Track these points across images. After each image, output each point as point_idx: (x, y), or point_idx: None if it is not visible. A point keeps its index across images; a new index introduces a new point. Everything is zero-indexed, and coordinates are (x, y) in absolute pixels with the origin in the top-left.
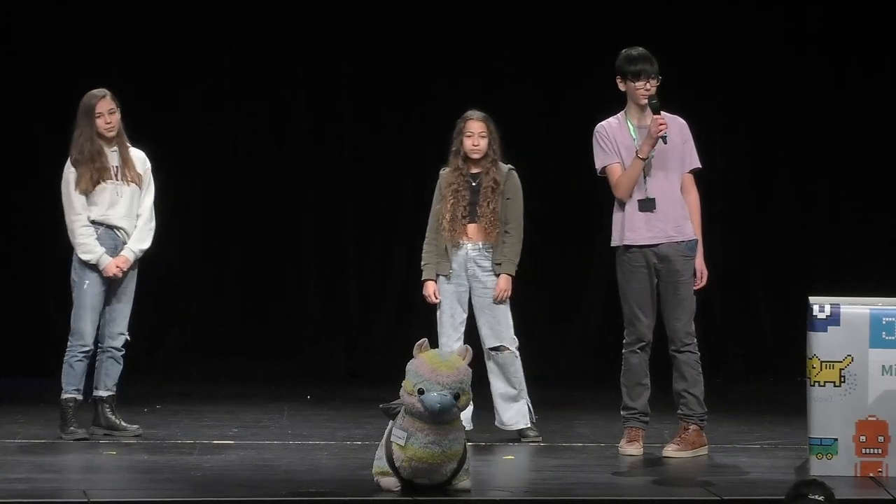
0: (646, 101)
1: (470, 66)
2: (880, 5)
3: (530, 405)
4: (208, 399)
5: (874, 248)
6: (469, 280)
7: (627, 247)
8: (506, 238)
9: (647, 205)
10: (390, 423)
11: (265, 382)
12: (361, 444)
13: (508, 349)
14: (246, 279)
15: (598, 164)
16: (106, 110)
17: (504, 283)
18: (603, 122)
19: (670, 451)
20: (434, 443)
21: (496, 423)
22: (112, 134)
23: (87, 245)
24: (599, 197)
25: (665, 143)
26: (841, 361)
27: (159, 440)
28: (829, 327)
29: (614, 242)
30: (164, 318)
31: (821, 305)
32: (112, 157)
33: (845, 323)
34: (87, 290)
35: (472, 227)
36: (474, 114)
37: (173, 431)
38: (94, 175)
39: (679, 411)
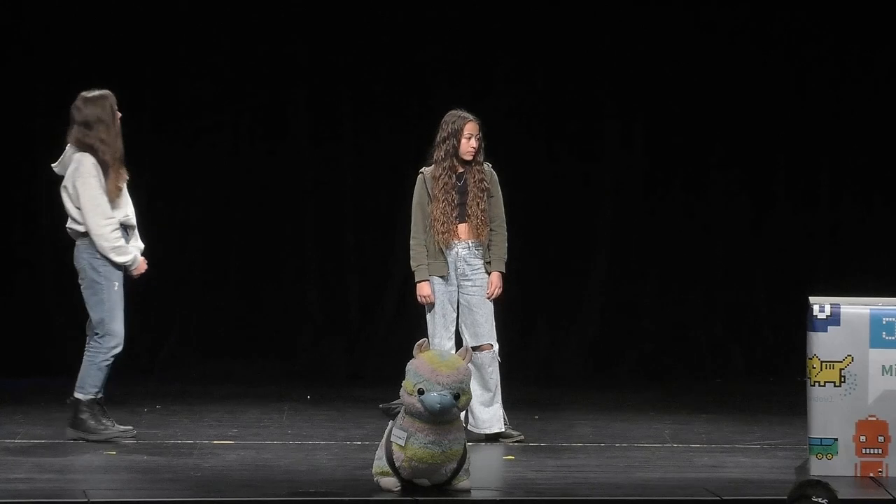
0: None
1: (469, 65)
2: (880, 4)
3: (504, 411)
4: (208, 399)
5: (875, 248)
6: (458, 279)
7: None
8: (493, 236)
9: None
10: (390, 423)
11: (265, 382)
12: (361, 444)
13: (490, 349)
14: (246, 279)
15: None
16: (117, 110)
17: (498, 281)
18: None
19: None
20: (434, 443)
21: (469, 425)
22: None
23: (123, 247)
24: (600, 195)
25: None
26: (841, 361)
27: (159, 440)
28: (829, 327)
29: None
30: (165, 319)
31: (821, 305)
32: None
33: (845, 323)
34: (118, 292)
35: (462, 227)
36: (469, 115)
37: (173, 431)
38: (119, 179)
39: None
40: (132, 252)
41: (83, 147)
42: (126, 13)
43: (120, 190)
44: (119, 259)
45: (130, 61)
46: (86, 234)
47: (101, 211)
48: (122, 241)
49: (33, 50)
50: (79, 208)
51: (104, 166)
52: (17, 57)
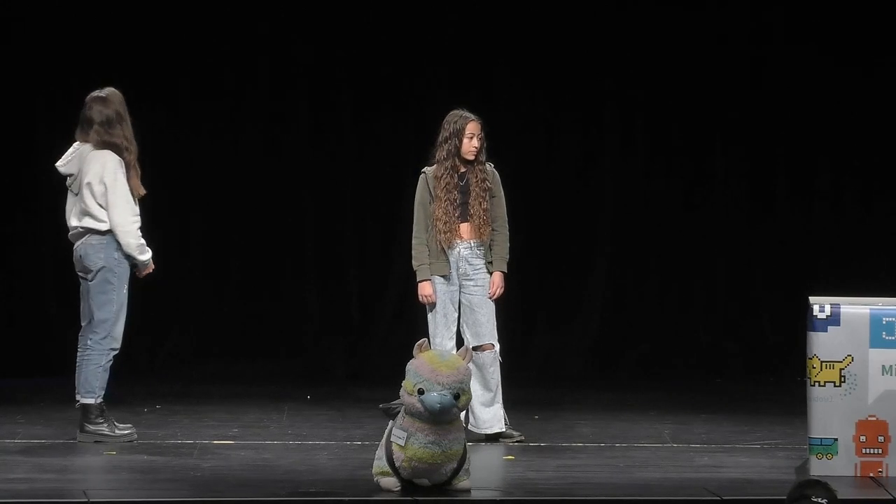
0: None
1: (469, 64)
2: (881, 2)
3: (504, 411)
4: (208, 399)
5: (875, 248)
6: (459, 279)
7: None
8: (495, 236)
9: None
10: (390, 423)
11: (265, 382)
12: (361, 444)
13: (491, 349)
14: (246, 279)
15: None
16: None
17: (499, 280)
18: None
19: None
20: (434, 443)
21: (469, 425)
22: None
23: (144, 244)
24: (600, 195)
25: None
26: (841, 361)
27: (159, 440)
28: (829, 327)
29: None
30: (165, 319)
31: (821, 305)
32: None
33: (845, 323)
34: (125, 295)
35: (464, 227)
36: (471, 115)
37: (173, 431)
38: (138, 179)
39: None
40: (149, 251)
41: (106, 146)
42: (126, 12)
43: (139, 191)
44: (142, 257)
45: (130, 61)
46: (104, 233)
47: (130, 208)
48: (143, 240)
49: (33, 50)
50: (101, 206)
51: (127, 165)
52: (17, 57)
